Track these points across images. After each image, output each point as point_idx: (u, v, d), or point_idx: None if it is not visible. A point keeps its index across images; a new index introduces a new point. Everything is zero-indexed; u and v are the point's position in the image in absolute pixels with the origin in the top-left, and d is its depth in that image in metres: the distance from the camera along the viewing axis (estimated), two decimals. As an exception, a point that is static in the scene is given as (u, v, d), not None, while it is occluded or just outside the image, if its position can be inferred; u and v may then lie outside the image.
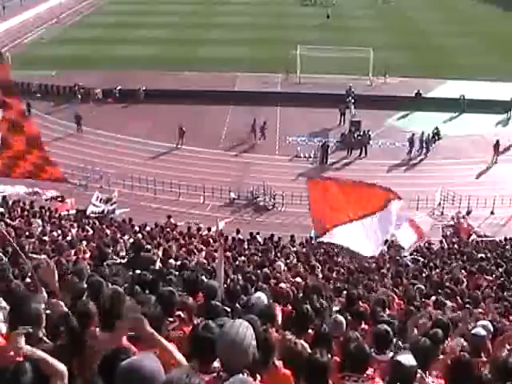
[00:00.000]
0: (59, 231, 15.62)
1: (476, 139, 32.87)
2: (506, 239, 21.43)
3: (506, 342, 6.29)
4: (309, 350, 4.86)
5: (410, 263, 17.24)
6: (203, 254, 15.01)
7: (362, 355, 4.69)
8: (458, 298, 11.76)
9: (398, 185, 19.95)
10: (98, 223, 19.15)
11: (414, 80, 39.67)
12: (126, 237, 16.19)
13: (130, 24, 54.70)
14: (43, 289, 5.66)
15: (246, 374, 3.38)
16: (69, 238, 14.43)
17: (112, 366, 3.12)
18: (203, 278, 8.46)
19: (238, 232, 20.29)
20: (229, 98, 37.16)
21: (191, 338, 4.07)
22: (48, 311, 4.76)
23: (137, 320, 3.97)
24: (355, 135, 32.04)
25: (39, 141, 5.74)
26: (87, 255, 11.86)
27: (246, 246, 18.40)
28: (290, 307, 7.51)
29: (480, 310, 10.55)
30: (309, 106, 35.45)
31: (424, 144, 31.46)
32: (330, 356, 4.81)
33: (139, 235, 16.54)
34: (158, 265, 9.80)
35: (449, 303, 10.89)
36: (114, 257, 11.13)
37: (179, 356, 3.91)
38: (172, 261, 11.42)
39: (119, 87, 38.37)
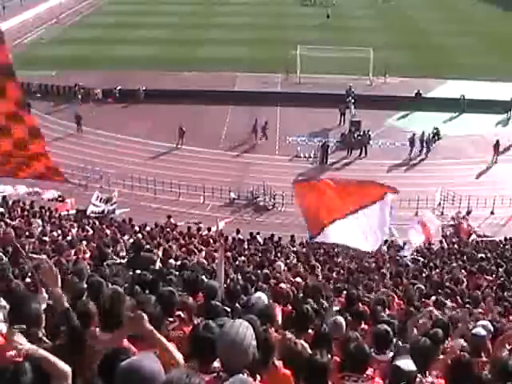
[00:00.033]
0: (59, 231, 15.61)
1: (476, 139, 32.86)
2: (506, 239, 21.43)
3: (506, 341, 6.29)
4: (309, 350, 4.86)
5: (409, 263, 17.25)
6: (203, 254, 15.00)
7: (361, 355, 4.70)
8: (458, 297, 11.76)
9: (398, 185, 19.59)
10: (97, 223, 19.15)
11: (414, 80, 39.67)
12: (126, 237, 16.18)
13: (129, 24, 54.68)
14: (43, 289, 5.66)
15: (245, 374, 3.38)
16: (69, 238, 14.41)
17: (112, 366, 3.11)
18: (203, 277, 8.46)
19: (238, 232, 20.31)
20: (228, 98, 37.14)
21: (191, 337, 4.07)
22: (50, 301, 4.73)
23: (137, 317, 3.96)
24: (355, 135, 32.03)
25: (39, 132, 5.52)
26: (87, 255, 11.84)
27: (245, 246, 18.40)
28: (290, 307, 7.52)
29: (480, 310, 10.55)
30: (309, 105, 35.43)
31: (424, 144, 31.47)
32: (330, 356, 4.81)
33: (139, 235, 16.54)
34: (158, 265, 9.78)
35: (449, 303, 10.89)
36: (114, 257, 11.11)
37: (178, 355, 3.91)
38: (172, 261, 11.41)
39: (119, 87, 38.37)
